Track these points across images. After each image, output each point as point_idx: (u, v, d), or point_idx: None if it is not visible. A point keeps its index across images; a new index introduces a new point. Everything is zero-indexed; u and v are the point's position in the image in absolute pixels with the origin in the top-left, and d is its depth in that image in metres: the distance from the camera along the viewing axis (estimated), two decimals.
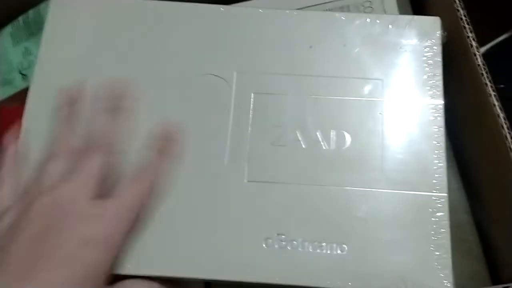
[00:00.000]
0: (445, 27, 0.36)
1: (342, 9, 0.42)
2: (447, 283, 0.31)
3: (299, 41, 0.36)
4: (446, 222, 0.32)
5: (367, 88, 0.35)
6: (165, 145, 0.33)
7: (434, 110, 0.34)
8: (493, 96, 0.33)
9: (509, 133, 0.32)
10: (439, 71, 0.35)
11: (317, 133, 0.34)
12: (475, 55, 0.34)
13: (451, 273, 0.31)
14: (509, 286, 0.28)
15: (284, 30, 0.36)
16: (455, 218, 0.34)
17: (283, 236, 0.32)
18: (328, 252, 0.32)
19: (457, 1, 0.36)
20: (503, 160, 0.32)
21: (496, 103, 0.32)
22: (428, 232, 0.32)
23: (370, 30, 0.36)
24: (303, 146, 0.34)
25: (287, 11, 0.37)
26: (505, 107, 0.33)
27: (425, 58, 0.35)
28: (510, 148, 0.31)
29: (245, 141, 0.34)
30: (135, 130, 0.34)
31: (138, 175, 0.31)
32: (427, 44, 0.35)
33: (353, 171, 0.33)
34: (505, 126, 0.32)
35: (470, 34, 0.35)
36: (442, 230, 0.32)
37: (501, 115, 0.32)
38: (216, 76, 0.35)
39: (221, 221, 0.32)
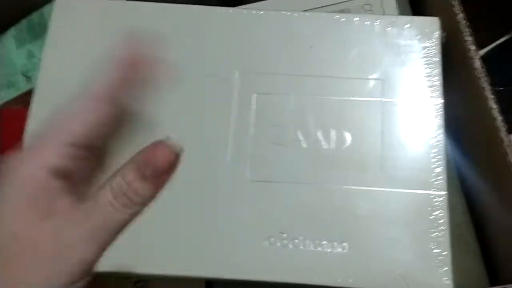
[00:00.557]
0: (444, 29, 0.36)
1: (342, 11, 0.43)
2: (446, 280, 0.31)
3: (300, 42, 0.36)
4: (445, 220, 0.32)
5: (367, 88, 0.35)
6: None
7: (433, 110, 0.34)
8: (491, 99, 0.33)
9: (507, 135, 0.32)
10: (438, 71, 0.35)
11: (318, 133, 0.34)
12: (473, 58, 0.34)
13: (451, 270, 0.31)
14: (507, 287, 0.28)
15: (285, 31, 0.37)
16: (454, 218, 0.35)
17: (285, 235, 0.32)
18: (329, 250, 0.32)
19: (456, 5, 0.36)
20: (500, 162, 0.32)
21: (494, 106, 0.33)
22: (427, 230, 0.32)
23: (370, 31, 0.36)
24: (304, 145, 0.34)
25: (288, 13, 0.37)
26: (504, 109, 0.33)
27: (424, 58, 0.35)
28: (507, 150, 0.32)
29: (247, 141, 0.34)
30: (137, 133, 0.35)
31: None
32: (426, 44, 0.36)
33: (354, 170, 0.34)
34: (502, 128, 0.32)
35: (468, 38, 0.35)
36: (441, 228, 0.32)
37: (499, 117, 0.33)
38: (219, 76, 0.36)
39: (224, 220, 0.33)
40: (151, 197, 0.24)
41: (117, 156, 0.34)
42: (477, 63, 0.34)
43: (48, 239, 0.21)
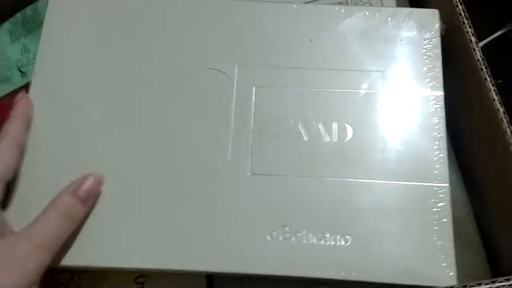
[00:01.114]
0: (443, 22, 0.36)
1: (341, 3, 0.43)
2: (450, 272, 0.31)
3: (299, 35, 0.36)
4: (448, 212, 0.32)
5: (367, 81, 0.35)
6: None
7: (434, 102, 0.34)
8: (492, 90, 0.33)
9: (509, 127, 0.32)
10: (438, 63, 0.35)
11: (319, 126, 0.34)
12: (474, 50, 0.34)
13: (454, 262, 0.31)
14: (510, 278, 0.28)
15: (285, 24, 0.36)
16: (455, 212, 0.34)
17: (287, 228, 0.32)
18: (332, 243, 0.32)
19: None
20: (502, 153, 0.32)
21: (496, 98, 0.33)
22: (430, 222, 0.32)
23: (370, 23, 0.36)
24: (305, 139, 0.34)
25: (288, 5, 0.37)
26: (503, 102, 0.33)
27: (424, 50, 0.35)
28: (509, 142, 0.32)
29: (248, 135, 0.34)
30: (137, 128, 0.34)
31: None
32: (426, 36, 0.36)
33: (355, 163, 0.33)
34: (504, 120, 0.32)
35: (469, 30, 0.35)
36: (444, 220, 0.32)
37: (501, 109, 0.32)
38: (218, 70, 0.35)
39: (225, 214, 0.32)
40: (84, 212, 0.31)
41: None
42: (478, 55, 0.34)
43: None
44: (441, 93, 0.34)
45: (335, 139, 0.34)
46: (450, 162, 0.38)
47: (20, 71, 0.44)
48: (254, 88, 0.35)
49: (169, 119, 0.35)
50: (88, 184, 0.31)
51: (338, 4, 0.43)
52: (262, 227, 0.32)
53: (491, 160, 0.35)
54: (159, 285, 0.36)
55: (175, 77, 0.36)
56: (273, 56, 0.36)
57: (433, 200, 0.32)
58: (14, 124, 0.32)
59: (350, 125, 0.34)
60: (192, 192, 0.33)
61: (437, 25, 0.36)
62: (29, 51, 0.44)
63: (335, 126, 0.34)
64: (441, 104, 0.34)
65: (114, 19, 0.37)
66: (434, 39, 0.36)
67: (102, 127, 0.34)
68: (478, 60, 0.34)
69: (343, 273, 0.31)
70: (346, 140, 0.34)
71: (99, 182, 0.32)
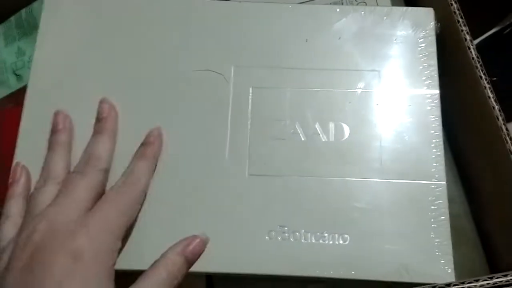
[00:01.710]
0: (438, 20, 0.36)
1: (336, 3, 0.43)
2: (448, 269, 0.31)
3: (295, 35, 0.36)
4: (445, 210, 0.32)
5: (364, 80, 0.35)
6: (143, 151, 0.33)
7: (430, 100, 0.34)
8: (488, 88, 0.33)
9: (504, 124, 0.32)
10: (434, 61, 0.35)
11: (316, 126, 0.34)
12: (469, 48, 0.34)
13: (452, 259, 0.31)
14: (507, 274, 0.29)
15: (280, 24, 0.37)
16: (452, 209, 0.35)
17: (285, 228, 0.32)
18: (331, 242, 0.32)
19: None
20: (498, 151, 0.32)
21: (491, 95, 0.33)
22: (427, 220, 0.32)
23: (365, 23, 0.36)
24: (303, 138, 0.34)
25: (283, 5, 0.37)
26: (498, 100, 0.33)
27: (419, 48, 0.36)
28: (505, 139, 0.32)
29: (245, 136, 0.34)
30: (134, 130, 0.34)
31: (119, 186, 0.31)
32: (421, 35, 0.36)
33: (353, 162, 0.34)
34: (500, 117, 0.32)
35: (463, 28, 0.35)
36: (441, 217, 0.32)
37: (496, 106, 0.33)
38: (214, 71, 0.35)
39: (224, 215, 0.33)
40: (186, 273, 0.31)
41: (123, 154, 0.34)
42: (473, 53, 0.34)
43: None
44: (437, 91, 0.35)
45: (332, 138, 0.34)
46: (446, 160, 0.38)
47: (15, 74, 0.44)
48: (251, 88, 0.35)
49: (166, 120, 0.35)
50: (195, 245, 0.31)
51: (333, 4, 0.43)
52: (261, 228, 0.32)
53: (486, 157, 0.35)
54: None
55: (172, 79, 0.36)
56: (269, 56, 0.36)
57: (430, 198, 0.32)
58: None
59: (347, 125, 0.34)
60: (190, 193, 0.33)
61: (432, 24, 0.36)
62: (24, 54, 0.44)
63: (332, 125, 0.34)
64: (437, 102, 0.34)
65: (110, 21, 0.37)
66: (429, 38, 0.36)
67: None
68: (473, 58, 0.34)
69: (342, 272, 0.31)
70: (343, 139, 0.34)
71: (205, 243, 0.32)
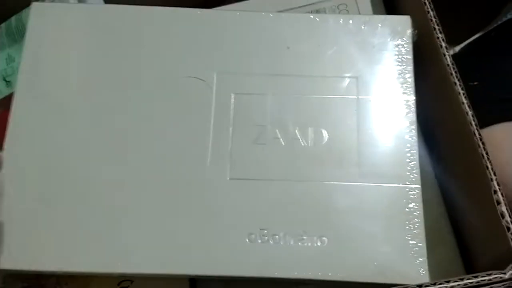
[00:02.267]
0: (416, 27, 0.37)
1: (318, 11, 0.44)
2: (422, 270, 0.32)
3: (276, 42, 0.37)
4: (420, 213, 0.33)
5: (342, 86, 0.36)
6: None
7: (406, 106, 0.35)
8: (461, 94, 0.34)
9: (477, 129, 0.33)
10: (410, 68, 0.36)
11: (296, 131, 0.35)
12: (444, 55, 0.35)
13: (426, 261, 0.32)
14: (477, 276, 0.30)
15: (262, 32, 0.37)
16: (430, 211, 0.36)
17: (265, 231, 0.33)
18: (309, 244, 0.33)
19: (427, 3, 0.37)
20: (471, 155, 0.33)
21: (465, 101, 0.34)
22: (403, 222, 0.33)
23: (344, 30, 0.37)
24: (283, 143, 0.35)
25: (265, 14, 0.38)
26: (479, 104, 0.34)
27: (396, 55, 0.37)
28: (478, 144, 0.33)
29: (227, 141, 0.35)
30: (118, 135, 0.35)
31: None
32: (398, 42, 0.37)
33: (331, 166, 0.34)
34: (473, 123, 0.33)
35: (439, 35, 0.36)
36: (416, 220, 0.33)
37: (470, 112, 0.33)
38: (197, 78, 0.36)
39: (205, 218, 0.33)
40: None
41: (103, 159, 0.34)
42: (448, 59, 0.35)
43: None
44: (413, 97, 0.36)
45: (311, 143, 0.35)
46: (425, 164, 0.39)
47: (5, 80, 0.45)
48: (233, 94, 0.36)
49: (149, 125, 0.35)
50: None
51: (315, 11, 0.44)
52: (241, 230, 0.33)
53: (461, 161, 0.36)
54: None
55: (155, 85, 0.36)
56: (251, 63, 0.37)
57: (405, 200, 0.33)
58: None
59: (326, 130, 0.35)
60: (172, 197, 0.34)
61: (409, 31, 0.37)
62: (14, 61, 0.45)
63: (311, 130, 0.35)
64: (412, 108, 0.35)
65: (95, 29, 0.38)
66: (406, 45, 0.37)
67: (84, 135, 0.35)
68: (448, 64, 0.35)
69: (319, 273, 0.32)
70: (322, 144, 0.35)
71: None
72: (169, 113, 0.36)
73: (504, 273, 0.30)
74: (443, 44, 0.36)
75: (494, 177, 0.32)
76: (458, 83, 0.34)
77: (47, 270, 0.33)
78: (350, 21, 0.37)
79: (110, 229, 0.33)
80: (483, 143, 0.32)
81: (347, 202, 0.34)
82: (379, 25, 0.37)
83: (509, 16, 0.56)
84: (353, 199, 0.34)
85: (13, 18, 0.46)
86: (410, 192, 0.33)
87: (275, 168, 0.35)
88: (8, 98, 0.44)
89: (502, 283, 0.29)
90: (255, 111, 0.36)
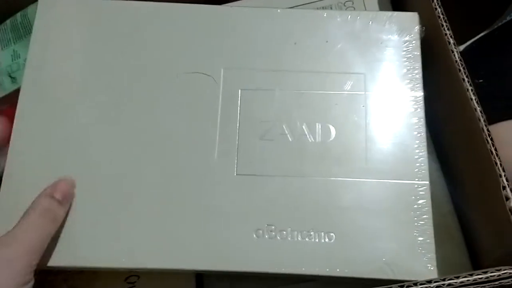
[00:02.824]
0: (423, 24, 0.37)
1: (324, 8, 0.44)
2: (430, 266, 0.32)
3: (284, 38, 0.37)
4: (428, 209, 0.33)
5: (350, 82, 0.36)
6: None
7: (414, 102, 0.35)
8: (470, 90, 0.34)
9: (486, 125, 0.33)
10: (418, 64, 0.36)
11: (303, 127, 0.35)
12: (452, 51, 0.35)
13: (434, 257, 0.32)
14: (487, 271, 0.29)
15: (269, 28, 0.37)
16: (438, 208, 0.36)
17: (272, 227, 0.33)
18: (317, 240, 0.33)
19: (435, 1, 0.37)
20: (480, 151, 0.33)
21: (473, 97, 0.34)
22: (411, 219, 0.33)
23: (352, 27, 0.37)
24: (290, 139, 0.35)
25: (272, 10, 0.38)
26: (484, 101, 0.34)
27: (404, 52, 0.36)
28: (486, 139, 0.33)
29: (234, 136, 0.35)
30: (125, 131, 0.35)
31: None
32: (406, 39, 0.37)
33: (339, 162, 0.34)
34: (481, 119, 0.33)
35: (447, 31, 0.36)
36: (424, 216, 0.33)
37: (478, 108, 0.33)
38: (204, 73, 0.36)
39: (212, 214, 0.33)
40: (63, 212, 0.33)
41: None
42: (456, 56, 0.35)
43: None
44: (421, 93, 0.36)
45: (318, 139, 0.35)
46: (432, 161, 0.39)
47: (10, 76, 0.45)
48: (240, 90, 0.36)
49: (157, 121, 0.35)
50: (62, 185, 0.33)
51: (322, 8, 0.44)
52: (248, 226, 0.33)
53: (469, 158, 0.36)
54: (150, 284, 0.37)
55: (163, 80, 0.36)
56: (259, 59, 0.37)
57: (413, 197, 0.33)
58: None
59: (333, 126, 0.35)
60: (179, 193, 0.34)
61: (417, 28, 0.37)
62: (19, 57, 0.45)
63: (318, 126, 0.35)
64: (421, 104, 0.35)
65: (102, 25, 0.38)
66: (414, 42, 0.37)
67: (90, 130, 0.35)
68: (456, 61, 0.35)
69: (327, 269, 0.32)
70: (330, 140, 0.35)
71: (71, 184, 0.34)
72: (176, 108, 0.36)
73: None
74: (451, 41, 0.36)
75: (503, 173, 0.31)
76: (466, 79, 0.34)
77: (55, 265, 0.32)
78: (358, 17, 0.37)
79: (116, 223, 0.33)
80: (491, 139, 0.32)
81: (355, 198, 0.33)
82: (387, 21, 0.37)
83: None
84: (361, 195, 0.34)
85: (18, 14, 0.46)
86: (418, 189, 0.33)
87: (282, 164, 0.34)
88: (14, 94, 0.44)
89: (511, 279, 0.29)
90: (262, 107, 0.36)
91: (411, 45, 0.37)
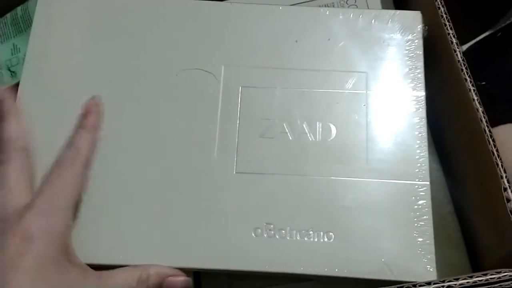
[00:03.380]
0: (426, 23, 0.37)
1: (326, 6, 0.43)
2: (430, 267, 0.32)
3: (285, 36, 0.37)
4: (428, 210, 0.33)
5: (351, 81, 0.36)
6: (81, 122, 0.33)
7: (416, 102, 0.35)
8: (472, 91, 0.34)
9: (488, 126, 0.33)
10: (420, 63, 0.36)
11: (304, 125, 0.35)
12: (455, 51, 0.35)
13: (434, 258, 0.32)
14: (486, 273, 0.29)
15: (271, 25, 0.37)
16: (438, 209, 0.35)
17: (271, 226, 0.33)
18: (316, 240, 0.32)
19: (438, 0, 0.37)
20: (482, 152, 0.33)
21: (475, 98, 0.34)
22: (411, 219, 0.33)
23: (354, 25, 0.37)
24: (290, 138, 0.35)
25: (273, 6, 0.38)
26: (487, 104, 0.34)
27: (407, 51, 0.36)
28: (488, 140, 0.32)
29: (234, 134, 0.35)
30: (125, 128, 0.35)
31: (61, 161, 0.32)
32: (408, 38, 0.36)
33: (339, 161, 0.34)
34: (484, 119, 0.33)
35: (450, 31, 0.36)
36: (424, 217, 0.33)
37: (480, 109, 0.33)
38: (205, 70, 0.36)
39: (211, 212, 0.33)
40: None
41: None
42: (459, 55, 0.35)
43: None
44: (422, 93, 0.35)
45: (319, 138, 0.35)
46: (433, 161, 0.39)
47: (10, 70, 0.44)
48: (240, 88, 0.36)
49: (156, 118, 0.35)
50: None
51: (324, 5, 0.43)
52: (247, 225, 0.33)
53: (471, 159, 0.36)
54: None
55: (163, 77, 0.36)
56: (259, 56, 0.37)
57: (414, 197, 0.33)
58: (86, 140, 0.33)
59: (334, 125, 0.35)
60: (178, 190, 0.34)
61: (420, 27, 0.37)
62: (19, 51, 0.45)
63: (319, 125, 0.35)
64: (422, 103, 0.35)
65: (102, 19, 0.38)
66: (416, 41, 0.37)
67: None
68: (458, 61, 0.35)
69: (326, 269, 0.32)
70: (330, 139, 0.35)
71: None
72: (176, 105, 0.35)
73: None
74: (454, 40, 0.35)
75: (504, 175, 0.31)
76: (468, 79, 0.34)
77: None
78: (360, 16, 0.37)
79: (115, 220, 0.33)
80: (493, 140, 0.32)
81: (354, 198, 0.33)
82: (390, 20, 0.37)
83: None
84: (361, 195, 0.33)
85: (18, 8, 0.45)
86: (418, 189, 0.33)
87: (282, 162, 0.34)
88: (13, 88, 0.44)
89: (511, 281, 0.29)
90: (263, 104, 0.36)
91: (413, 44, 0.36)
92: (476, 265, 0.37)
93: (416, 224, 0.32)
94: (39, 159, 0.34)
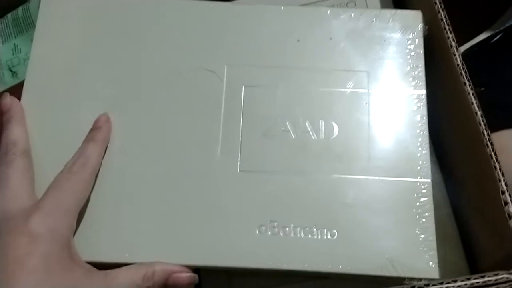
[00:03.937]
0: (426, 23, 0.37)
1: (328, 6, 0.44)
2: (432, 264, 0.32)
3: (287, 35, 0.37)
4: (430, 206, 0.33)
5: (353, 80, 0.36)
6: (91, 135, 0.34)
7: (417, 100, 0.35)
8: (471, 94, 0.34)
9: (486, 130, 0.33)
10: (421, 62, 0.36)
11: (306, 124, 0.35)
12: (454, 55, 0.35)
13: (436, 254, 0.32)
14: (484, 275, 0.30)
15: (273, 25, 0.37)
16: (436, 211, 0.35)
17: (275, 223, 0.33)
18: (319, 237, 0.33)
19: (438, 2, 0.37)
20: (480, 155, 0.33)
21: (474, 101, 0.34)
22: (413, 216, 0.33)
23: (355, 24, 0.37)
24: (293, 136, 0.35)
25: (276, 7, 0.38)
26: (486, 109, 0.34)
27: (407, 50, 0.37)
28: (486, 144, 0.33)
29: (237, 133, 0.35)
30: (129, 128, 0.35)
31: (70, 167, 0.32)
32: (409, 37, 0.37)
33: (341, 159, 0.34)
34: (482, 123, 0.33)
35: (450, 35, 0.36)
36: (426, 214, 0.33)
37: (479, 113, 0.33)
38: (208, 70, 0.36)
39: (215, 210, 0.33)
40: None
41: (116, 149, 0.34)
42: (458, 59, 0.35)
43: None
44: (423, 91, 0.36)
45: (321, 136, 0.35)
46: (432, 163, 0.39)
47: (11, 71, 0.45)
48: (243, 87, 0.36)
49: (160, 117, 0.35)
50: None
51: (325, 6, 0.44)
52: (251, 222, 0.33)
53: (469, 161, 0.36)
54: None
55: (166, 77, 0.36)
56: (262, 56, 0.37)
57: (416, 195, 0.33)
58: (96, 151, 0.34)
59: (336, 123, 0.35)
60: (182, 189, 0.34)
61: (420, 26, 0.37)
62: (20, 51, 0.45)
63: (321, 124, 0.35)
64: (423, 102, 0.36)
65: (106, 20, 0.38)
66: (417, 40, 0.37)
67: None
68: (458, 65, 0.35)
69: (329, 266, 0.32)
70: (332, 137, 0.35)
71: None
72: (179, 105, 0.36)
73: (511, 274, 0.30)
74: (453, 44, 0.36)
75: (502, 178, 0.31)
76: (467, 83, 0.34)
77: None
78: (361, 15, 0.37)
79: (119, 218, 0.33)
80: (491, 144, 0.32)
81: (357, 196, 0.34)
82: (390, 19, 0.37)
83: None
84: (363, 192, 0.34)
85: (20, 8, 0.45)
86: (420, 186, 0.34)
87: (285, 161, 0.35)
88: (13, 89, 0.44)
89: (508, 283, 0.29)
90: (266, 103, 0.36)
91: (414, 43, 0.37)
92: (474, 267, 0.37)
93: (418, 221, 0.33)
94: (42, 159, 0.34)
